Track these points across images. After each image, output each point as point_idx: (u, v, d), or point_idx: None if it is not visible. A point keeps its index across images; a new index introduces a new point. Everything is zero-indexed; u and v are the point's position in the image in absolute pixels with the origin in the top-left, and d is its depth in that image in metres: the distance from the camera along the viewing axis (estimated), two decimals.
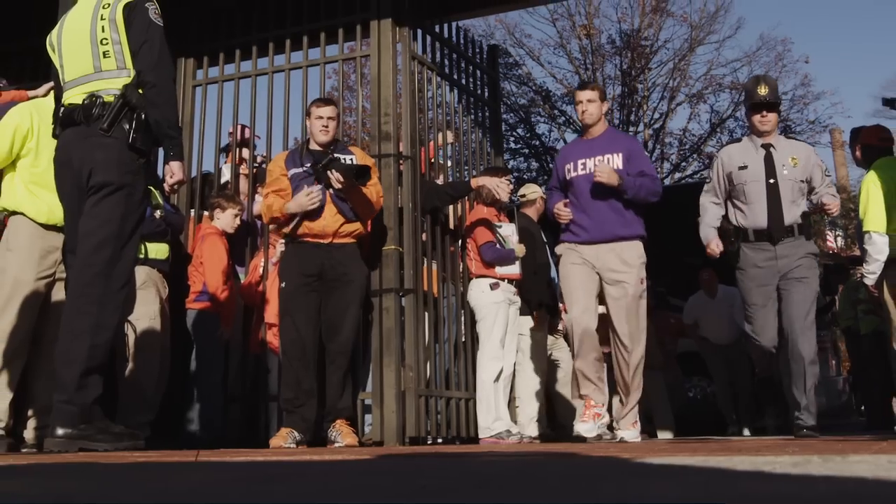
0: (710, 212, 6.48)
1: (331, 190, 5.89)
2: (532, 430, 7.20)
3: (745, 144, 6.45)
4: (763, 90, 6.30)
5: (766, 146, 6.26)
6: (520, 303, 7.19)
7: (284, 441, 5.66)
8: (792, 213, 6.14)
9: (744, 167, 6.25)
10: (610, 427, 6.63)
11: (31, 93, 5.64)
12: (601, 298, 6.43)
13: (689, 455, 1.52)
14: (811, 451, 1.62)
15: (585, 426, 6.07)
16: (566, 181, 6.50)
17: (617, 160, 6.30)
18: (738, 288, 6.49)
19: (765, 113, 6.29)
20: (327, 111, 6.12)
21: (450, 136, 7.33)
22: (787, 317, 6.12)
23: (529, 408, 7.42)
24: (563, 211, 6.34)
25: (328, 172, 5.88)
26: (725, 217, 6.45)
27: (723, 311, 10.26)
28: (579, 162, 6.41)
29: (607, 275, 6.30)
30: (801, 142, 6.64)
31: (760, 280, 6.18)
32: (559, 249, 6.52)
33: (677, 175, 23.94)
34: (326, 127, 6.09)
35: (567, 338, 8.57)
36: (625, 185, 6.15)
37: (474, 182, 6.96)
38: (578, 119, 6.63)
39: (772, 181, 6.15)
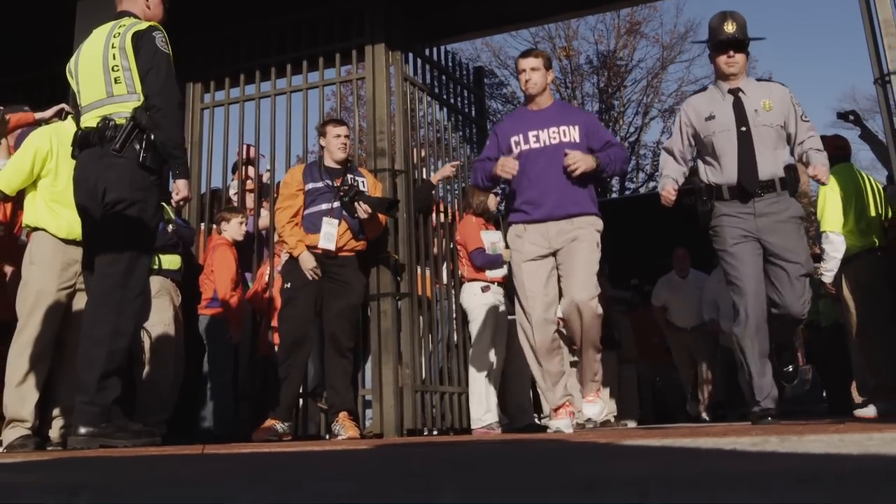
0: (673, 164, 5.44)
1: (344, 211, 5.99)
2: (520, 420, 7.19)
3: (711, 93, 5.39)
4: (730, 27, 5.22)
5: (735, 91, 5.20)
6: (507, 304, 7.19)
7: (274, 426, 5.75)
8: (770, 164, 5.05)
9: (710, 118, 5.20)
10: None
11: (37, 115, 5.63)
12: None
13: (659, 438, 1.52)
14: (772, 433, 1.62)
15: (563, 422, 5.24)
16: (513, 155, 5.43)
17: (573, 133, 5.35)
18: (716, 250, 5.24)
19: (732, 53, 5.22)
20: (344, 130, 6.25)
21: (449, 170, 7.29)
22: (777, 295, 5.06)
23: (518, 399, 7.42)
24: (509, 163, 5.27)
25: (356, 204, 6.00)
26: (696, 175, 5.44)
27: (691, 294, 9.85)
28: (530, 134, 5.37)
29: (560, 241, 5.28)
30: (775, 82, 5.47)
31: (741, 231, 5.04)
32: (510, 234, 5.48)
33: (652, 184, 23.96)
34: (345, 144, 6.20)
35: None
36: (602, 163, 5.29)
37: (434, 179, 7.09)
38: (521, 89, 5.62)
39: (743, 129, 5.08)
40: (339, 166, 6.17)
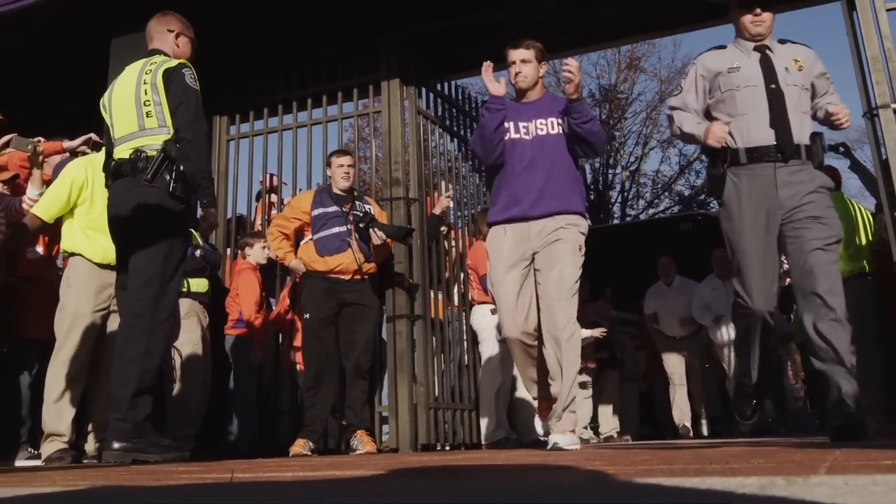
0: (686, 115, 4.45)
1: (357, 235, 6.00)
2: (527, 436, 7.16)
3: (732, 49, 4.40)
4: None
5: (761, 48, 4.30)
6: None
7: (302, 449, 5.71)
8: (799, 128, 4.17)
9: (734, 69, 4.26)
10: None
11: (65, 144, 5.66)
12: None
13: (667, 477, 1.49)
14: (774, 468, 1.59)
15: (564, 438, 4.53)
16: (503, 140, 4.88)
17: (562, 124, 4.76)
18: (724, 233, 4.32)
19: (758, 11, 4.29)
20: (347, 160, 6.22)
21: (446, 202, 7.26)
22: (802, 269, 4.05)
23: (525, 416, 7.38)
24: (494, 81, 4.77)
25: (371, 230, 6.04)
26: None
27: (678, 301, 9.30)
28: (520, 125, 4.80)
29: (541, 243, 4.66)
30: (799, 43, 4.50)
31: (755, 215, 4.11)
32: (490, 234, 4.92)
33: (651, 210, 23.94)
34: (348, 174, 6.17)
35: None
36: (583, 104, 4.72)
37: (436, 211, 6.97)
38: (511, 82, 4.98)
39: (773, 86, 4.17)
40: (345, 194, 6.17)
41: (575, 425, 4.74)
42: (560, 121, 4.75)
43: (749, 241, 4.10)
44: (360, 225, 6.02)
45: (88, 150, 5.61)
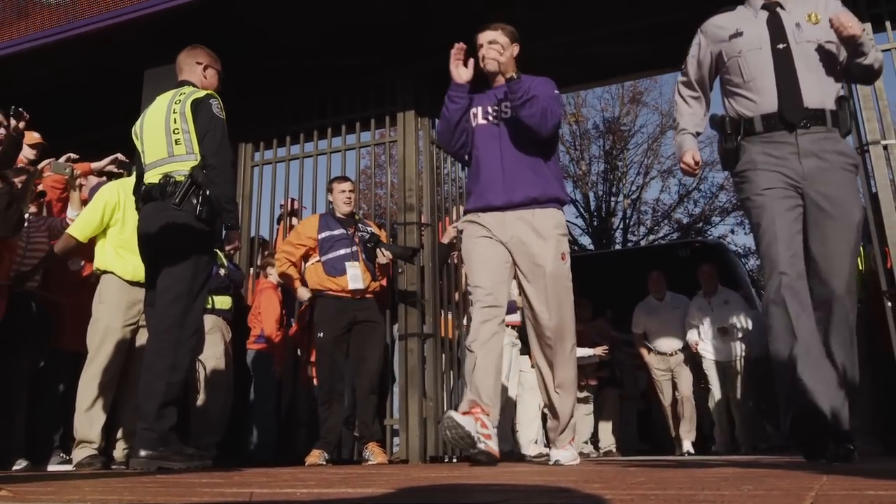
0: (687, 110, 4.00)
1: (364, 255, 6.03)
2: (531, 450, 7.13)
3: (739, 11, 3.90)
4: None
5: (771, 5, 3.76)
6: (520, 345, 7.16)
7: (318, 459, 5.70)
8: (816, 90, 3.58)
9: (737, 34, 3.76)
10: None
11: (94, 165, 5.70)
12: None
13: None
14: (763, 497, 1.58)
15: (565, 454, 4.27)
16: (471, 127, 4.37)
17: None
18: (741, 201, 3.78)
19: None
20: (348, 186, 6.25)
21: (453, 232, 7.28)
22: (821, 269, 3.50)
23: (529, 431, 7.35)
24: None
25: (378, 250, 6.10)
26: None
27: (670, 317, 8.71)
28: (489, 108, 4.30)
29: (518, 251, 4.17)
30: None
31: (778, 176, 3.54)
32: (460, 225, 4.50)
33: (651, 237, 23.92)
34: (349, 199, 6.21)
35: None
36: (518, 81, 4.03)
37: (444, 240, 6.91)
38: (481, 65, 4.31)
39: (780, 46, 3.64)
40: (347, 217, 6.20)
41: (574, 434, 4.38)
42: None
43: (769, 212, 3.52)
44: (368, 245, 6.06)
45: (116, 169, 5.65)
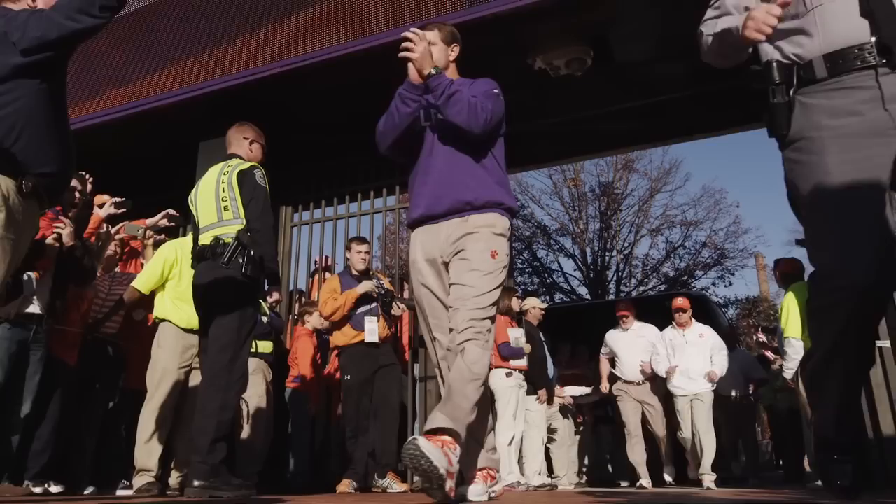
0: (721, 19, 2.59)
1: (381, 309, 6.16)
2: (535, 480, 7.12)
3: None
4: None
5: None
6: (526, 386, 7.20)
7: (347, 487, 5.73)
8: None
9: None
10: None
11: (148, 221, 5.78)
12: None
13: None
14: None
15: (476, 489, 3.29)
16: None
17: None
18: (792, 183, 2.45)
19: None
20: (364, 247, 6.38)
21: None
22: None
23: (534, 463, 7.35)
24: None
25: (394, 304, 6.25)
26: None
27: (637, 345, 7.93)
28: (422, 112, 3.47)
29: (449, 252, 3.31)
30: None
31: (847, 147, 2.27)
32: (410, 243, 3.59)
33: (641, 288, 23.92)
34: (365, 259, 6.33)
35: (564, 410, 8.56)
36: (437, 78, 3.26)
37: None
38: None
39: None
40: (361, 274, 6.27)
41: (492, 472, 3.38)
42: None
43: (837, 183, 2.25)
44: (385, 300, 6.20)
45: (167, 223, 5.73)
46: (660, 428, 7.86)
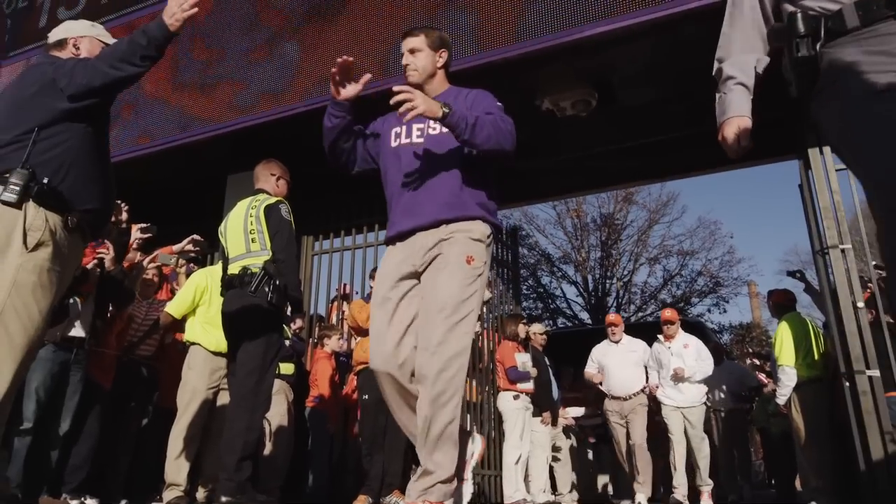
0: (733, 54, 2.19)
1: None
2: (541, 497, 7.08)
3: None
4: None
5: None
6: (532, 408, 7.18)
7: (363, 503, 5.71)
8: None
9: None
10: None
11: (175, 247, 5.77)
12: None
13: None
14: None
15: (468, 487, 3.10)
16: (389, 149, 3.20)
17: None
18: (844, 132, 1.88)
19: None
20: None
21: (487, 295, 7.42)
22: None
23: (539, 481, 7.32)
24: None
25: None
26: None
27: (626, 360, 7.47)
28: (415, 127, 3.14)
29: (423, 261, 3.00)
30: None
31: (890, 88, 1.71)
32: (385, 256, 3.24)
33: (640, 314, 23.85)
34: None
35: (567, 431, 8.52)
36: (452, 114, 2.85)
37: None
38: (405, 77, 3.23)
39: None
40: None
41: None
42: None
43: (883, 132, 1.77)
44: None
45: (193, 248, 5.73)
46: (637, 436, 7.23)
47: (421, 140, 3.12)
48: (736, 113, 2.10)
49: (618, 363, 7.51)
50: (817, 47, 1.95)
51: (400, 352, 2.94)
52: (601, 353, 7.68)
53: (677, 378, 7.10)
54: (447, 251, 2.94)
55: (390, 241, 3.17)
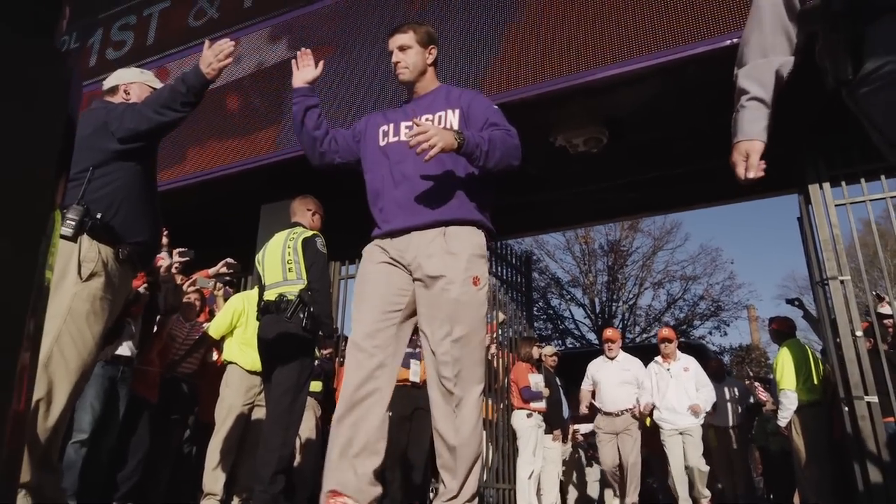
0: (754, 65, 1.81)
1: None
2: None
3: None
4: None
5: None
6: (544, 426, 7.14)
7: None
8: None
9: None
10: None
11: (211, 271, 5.79)
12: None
13: None
14: None
15: None
16: (377, 147, 2.90)
17: (452, 118, 2.79)
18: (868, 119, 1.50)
19: None
20: None
21: (501, 316, 7.41)
22: None
23: (551, 495, 7.27)
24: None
25: None
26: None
27: (621, 376, 7.17)
28: (403, 125, 2.85)
29: (420, 271, 2.66)
30: None
31: None
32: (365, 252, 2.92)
33: (644, 335, 23.72)
34: None
35: (577, 447, 8.46)
36: (467, 144, 2.56)
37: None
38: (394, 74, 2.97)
39: None
40: None
41: None
42: (454, 111, 2.81)
43: None
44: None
45: (227, 270, 5.74)
46: (629, 454, 6.92)
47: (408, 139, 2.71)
48: (745, 137, 1.83)
49: (611, 379, 7.22)
50: (861, 23, 1.54)
51: (376, 338, 2.73)
52: (596, 369, 7.42)
53: (695, 414, 6.88)
54: (452, 272, 2.62)
55: (376, 236, 2.85)
